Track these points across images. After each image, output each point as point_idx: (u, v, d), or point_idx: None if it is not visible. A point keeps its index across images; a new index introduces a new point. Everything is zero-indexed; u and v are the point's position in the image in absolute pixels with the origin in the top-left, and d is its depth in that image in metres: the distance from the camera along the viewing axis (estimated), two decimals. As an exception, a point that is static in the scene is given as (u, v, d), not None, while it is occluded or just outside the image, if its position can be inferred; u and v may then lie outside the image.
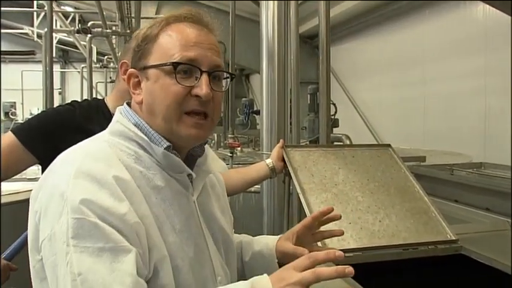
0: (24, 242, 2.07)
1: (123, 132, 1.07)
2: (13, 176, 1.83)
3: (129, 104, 1.14)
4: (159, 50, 1.07)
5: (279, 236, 1.34)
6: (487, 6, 5.36)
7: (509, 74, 5.28)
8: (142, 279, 0.92)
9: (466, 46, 6.25)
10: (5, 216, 2.20)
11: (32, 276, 1.01)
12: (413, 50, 7.45)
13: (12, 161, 1.75)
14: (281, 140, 2.17)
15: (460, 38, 6.37)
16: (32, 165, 1.81)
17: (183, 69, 1.04)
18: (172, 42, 1.06)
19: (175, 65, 1.03)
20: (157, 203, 1.02)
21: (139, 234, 0.94)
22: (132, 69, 1.10)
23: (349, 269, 0.92)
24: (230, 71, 7.33)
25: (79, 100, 2.02)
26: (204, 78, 1.05)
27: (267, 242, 1.33)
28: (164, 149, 1.05)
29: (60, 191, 0.92)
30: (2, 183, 1.83)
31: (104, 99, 1.97)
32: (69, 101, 1.98)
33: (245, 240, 1.38)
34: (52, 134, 1.77)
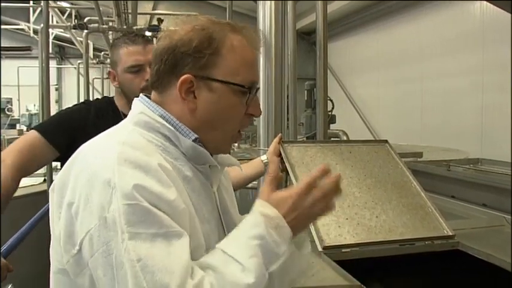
0: (21, 238, 2.07)
1: (149, 123, 1.07)
2: (36, 170, 1.94)
3: (146, 96, 1.13)
4: (226, 65, 1.06)
5: None
6: (484, 2, 5.36)
7: (506, 70, 5.30)
8: (193, 263, 0.92)
9: (463, 43, 6.26)
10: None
11: (56, 273, 1.00)
12: (411, 47, 7.45)
13: (37, 156, 1.85)
14: (279, 134, 2.16)
15: (457, 35, 6.38)
16: (53, 160, 1.91)
17: (250, 91, 1.08)
18: (239, 61, 1.08)
19: (249, 88, 1.08)
20: (190, 193, 1.03)
21: (185, 220, 0.95)
22: (188, 75, 1.05)
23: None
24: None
25: (90, 99, 2.19)
26: (257, 98, 1.12)
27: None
28: (192, 141, 1.06)
29: (105, 179, 0.91)
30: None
31: (113, 97, 2.11)
32: (82, 101, 2.12)
33: None
34: (72, 128, 1.89)
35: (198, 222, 1.01)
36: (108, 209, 0.89)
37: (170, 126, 1.06)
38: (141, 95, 1.14)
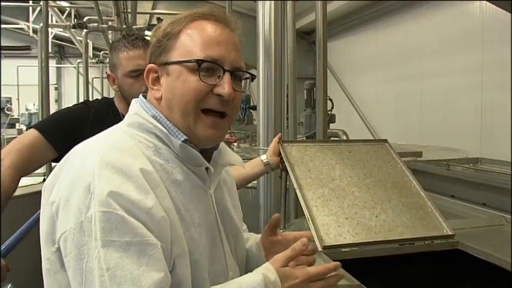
0: (20, 238, 2.07)
1: (142, 124, 1.07)
2: (35, 170, 1.93)
3: (145, 97, 1.14)
4: (181, 46, 1.06)
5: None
6: (484, 2, 5.36)
7: (505, 69, 5.30)
8: (168, 274, 0.92)
9: (463, 41, 6.26)
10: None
11: (43, 268, 1.00)
12: (410, 46, 7.45)
13: (36, 155, 1.85)
14: (279, 134, 2.16)
15: (456, 34, 6.38)
16: (52, 158, 1.89)
17: (206, 67, 1.05)
18: (196, 40, 1.06)
19: (199, 62, 1.04)
20: (177, 197, 1.02)
21: (165, 228, 0.94)
22: (152, 65, 1.09)
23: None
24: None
25: (89, 99, 2.17)
26: (227, 77, 1.06)
27: (255, 238, 1.38)
28: (182, 141, 1.05)
29: (86, 183, 0.91)
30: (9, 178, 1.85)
31: (113, 98, 2.10)
32: (82, 101, 2.10)
33: None
34: (71, 127, 1.89)
35: (182, 229, 1.00)
36: (86, 214, 0.89)
37: (162, 127, 1.05)
38: (140, 95, 1.14)
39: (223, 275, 1.11)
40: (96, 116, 1.95)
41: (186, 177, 1.06)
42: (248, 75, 1.14)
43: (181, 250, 0.98)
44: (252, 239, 1.37)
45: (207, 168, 1.11)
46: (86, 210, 0.89)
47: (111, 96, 2.17)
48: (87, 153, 0.98)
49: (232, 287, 1.01)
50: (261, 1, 2.74)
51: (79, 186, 0.91)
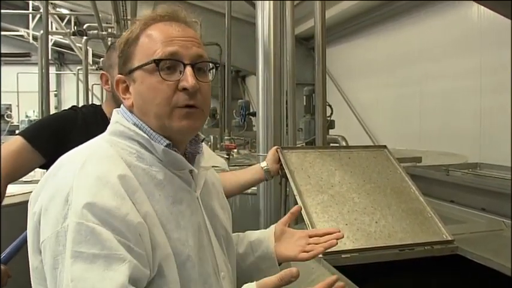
0: (21, 245, 2.07)
1: (123, 132, 1.08)
2: (22, 176, 1.90)
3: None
4: (140, 51, 1.07)
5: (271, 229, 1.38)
6: (482, 6, 5.38)
7: (503, 73, 5.32)
8: None
9: (461, 46, 6.28)
10: (1, 218, 2.20)
11: (31, 277, 1.01)
12: (409, 51, 7.47)
13: (22, 162, 1.82)
14: (276, 146, 2.16)
15: (455, 39, 6.40)
16: (39, 165, 1.86)
17: (165, 65, 1.04)
18: (152, 42, 1.06)
19: (157, 61, 1.04)
20: (161, 200, 1.03)
21: (142, 235, 0.94)
22: (119, 75, 1.10)
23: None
24: (226, 73, 7.36)
25: (78, 105, 2.11)
26: (188, 70, 1.05)
27: (262, 231, 1.39)
28: (165, 146, 1.05)
29: (64, 194, 0.92)
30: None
31: (101, 105, 2.05)
32: (70, 106, 2.06)
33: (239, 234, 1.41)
34: (57, 133, 1.84)
35: (164, 232, 1.00)
36: (62, 224, 0.90)
37: (143, 134, 1.06)
38: (122, 105, 1.15)
39: (214, 275, 1.11)
40: (84, 122, 1.90)
41: (169, 181, 1.06)
42: (212, 65, 1.14)
43: (166, 253, 0.99)
44: (255, 233, 1.39)
45: (191, 171, 1.12)
46: (63, 220, 0.90)
47: (98, 104, 2.14)
48: (69, 164, 0.99)
49: None
50: (260, 1, 2.75)
51: (58, 197, 0.93)
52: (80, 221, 0.89)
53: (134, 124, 1.08)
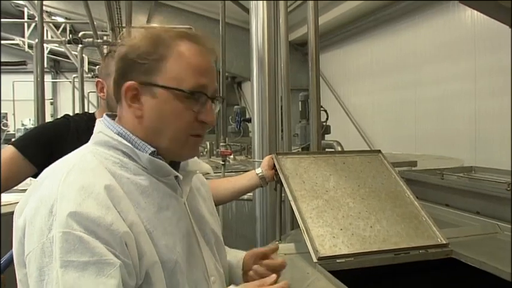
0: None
1: (107, 142, 1.08)
2: (14, 186, 1.89)
3: (109, 115, 1.15)
4: (170, 70, 1.06)
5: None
6: (475, 11, 5.42)
7: (498, 76, 5.36)
8: None
9: (456, 51, 6.31)
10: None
11: None
12: (404, 55, 7.51)
13: (13, 172, 1.82)
14: (269, 156, 2.17)
15: (449, 43, 6.44)
16: (31, 174, 1.86)
17: (194, 95, 1.07)
18: (185, 67, 1.06)
19: (191, 92, 1.06)
20: (147, 207, 1.03)
21: (128, 244, 0.95)
22: (132, 82, 1.07)
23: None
24: (221, 79, 7.37)
25: (71, 114, 2.10)
26: (210, 105, 1.10)
27: (235, 254, 1.39)
28: (149, 154, 1.06)
29: (48, 205, 0.92)
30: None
31: (94, 113, 2.06)
32: (63, 115, 2.05)
33: None
34: (49, 143, 1.85)
35: (154, 239, 1.01)
36: (47, 236, 0.90)
37: (127, 143, 1.07)
38: (104, 114, 1.15)
39: (204, 280, 1.12)
40: (76, 131, 1.91)
41: (155, 188, 1.07)
42: (220, 98, 1.17)
43: (153, 260, 0.99)
44: (231, 254, 1.39)
45: (176, 177, 1.13)
46: (48, 231, 0.90)
47: (92, 112, 2.14)
48: (53, 176, 0.99)
49: None
50: (254, 15, 2.77)
51: (42, 208, 0.93)
52: (66, 230, 0.89)
53: (118, 133, 1.08)
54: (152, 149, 1.07)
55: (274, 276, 1.07)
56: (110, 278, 0.89)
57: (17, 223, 0.98)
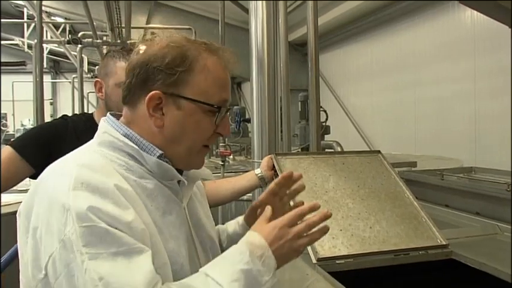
0: (15, 255, 2.06)
1: (112, 143, 1.07)
2: (12, 187, 1.89)
3: (113, 115, 1.14)
4: (197, 83, 1.06)
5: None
6: (475, 12, 5.42)
7: (497, 77, 5.35)
8: (159, 276, 0.93)
9: (455, 51, 6.31)
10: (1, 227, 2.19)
11: None
12: (404, 56, 7.50)
13: (11, 172, 1.81)
14: (267, 156, 2.16)
15: (449, 44, 6.43)
16: (29, 175, 1.85)
17: (219, 110, 1.09)
18: (211, 81, 1.08)
19: (218, 107, 1.08)
20: (153, 211, 1.03)
21: (146, 242, 0.95)
22: (157, 92, 1.05)
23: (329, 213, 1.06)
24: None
25: (69, 114, 2.08)
26: (227, 119, 1.13)
27: (237, 221, 1.38)
28: (157, 157, 1.06)
29: (61, 203, 0.91)
30: None
31: (92, 113, 2.03)
32: (61, 115, 2.04)
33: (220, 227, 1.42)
34: (47, 143, 1.84)
35: (161, 241, 1.01)
36: (64, 232, 0.89)
37: (133, 145, 1.06)
38: (108, 114, 1.15)
39: None
40: (74, 131, 1.90)
41: (160, 192, 1.07)
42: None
43: (163, 261, 0.99)
44: (233, 224, 1.38)
45: (179, 182, 1.13)
46: (64, 227, 0.90)
47: (90, 112, 2.13)
48: (60, 174, 0.98)
49: (216, 261, 1.01)
50: (253, 15, 2.76)
51: (55, 208, 0.92)
52: (88, 224, 0.89)
53: (125, 135, 1.07)
54: (160, 151, 1.07)
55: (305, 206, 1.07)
56: (142, 262, 0.90)
57: (25, 225, 0.97)
